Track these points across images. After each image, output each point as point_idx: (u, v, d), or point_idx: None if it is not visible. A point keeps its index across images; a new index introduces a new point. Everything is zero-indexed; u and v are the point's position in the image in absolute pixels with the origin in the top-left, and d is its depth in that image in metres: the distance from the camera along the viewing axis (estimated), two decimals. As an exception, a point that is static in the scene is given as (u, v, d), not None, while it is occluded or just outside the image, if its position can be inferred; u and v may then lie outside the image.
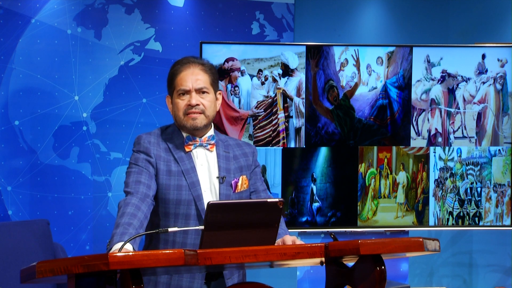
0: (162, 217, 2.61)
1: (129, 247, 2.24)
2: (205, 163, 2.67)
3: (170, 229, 2.22)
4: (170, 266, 1.93)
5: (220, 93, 2.72)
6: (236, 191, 2.66)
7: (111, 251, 2.26)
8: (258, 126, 4.28)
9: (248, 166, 2.73)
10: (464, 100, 4.44)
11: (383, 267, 2.11)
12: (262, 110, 4.28)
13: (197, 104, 2.62)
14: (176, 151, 2.65)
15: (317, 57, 4.30)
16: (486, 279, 5.39)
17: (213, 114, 2.68)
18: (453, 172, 4.45)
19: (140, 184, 2.56)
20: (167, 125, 2.75)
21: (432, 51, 4.41)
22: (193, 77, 2.63)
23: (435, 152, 4.43)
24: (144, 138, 2.66)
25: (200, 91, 2.63)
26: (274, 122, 4.29)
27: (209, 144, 2.68)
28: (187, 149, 2.65)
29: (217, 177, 2.65)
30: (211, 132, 2.70)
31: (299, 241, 2.39)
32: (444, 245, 5.23)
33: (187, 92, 2.63)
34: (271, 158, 4.29)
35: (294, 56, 4.29)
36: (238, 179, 2.68)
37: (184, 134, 2.68)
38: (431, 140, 4.42)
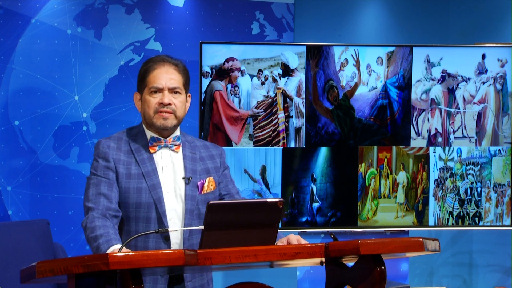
0: (125, 221, 2.58)
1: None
2: (170, 164, 2.63)
3: (170, 229, 2.22)
4: (170, 266, 1.93)
5: (190, 96, 2.69)
6: (202, 192, 2.62)
7: (109, 252, 2.26)
8: (258, 126, 4.28)
9: (215, 168, 2.69)
10: (464, 100, 4.44)
11: (383, 267, 2.11)
12: (262, 110, 4.28)
13: (169, 104, 2.58)
14: (139, 153, 2.61)
15: (317, 57, 4.30)
16: (486, 279, 5.39)
17: (182, 116, 2.64)
18: (453, 172, 4.45)
19: (100, 196, 2.53)
20: (132, 126, 2.72)
21: (432, 51, 4.41)
22: (167, 76, 2.61)
23: (435, 152, 4.43)
24: (103, 143, 2.63)
25: (172, 90, 2.60)
26: (274, 122, 4.29)
27: (175, 145, 2.64)
28: (151, 150, 2.62)
29: (183, 178, 2.61)
30: (176, 132, 2.66)
31: (304, 241, 2.38)
32: (444, 245, 5.23)
33: (160, 90, 2.60)
34: (271, 158, 4.29)
35: (294, 56, 4.29)
36: (205, 181, 2.64)
37: (149, 135, 2.64)
38: (431, 140, 4.42)
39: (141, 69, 2.67)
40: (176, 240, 2.57)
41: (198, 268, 2.35)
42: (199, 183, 2.63)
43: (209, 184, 2.65)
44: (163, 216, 2.54)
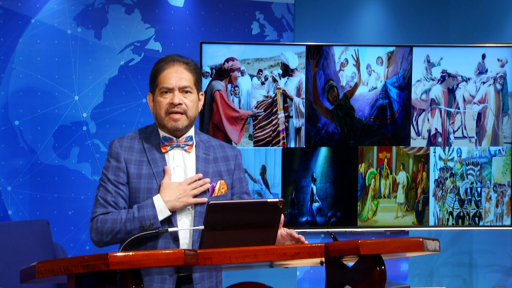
0: None
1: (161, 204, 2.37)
2: (182, 164, 2.62)
3: (170, 229, 2.22)
4: (170, 266, 1.93)
5: (202, 94, 2.68)
6: (213, 195, 2.61)
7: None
8: (258, 126, 4.28)
9: (228, 171, 2.68)
10: (464, 100, 4.44)
11: (383, 267, 2.11)
12: (262, 110, 4.28)
13: (180, 103, 2.57)
14: (151, 152, 2.61)
15: (317, 57, 4.30)
16: (486, 279, 5.39)
17: (195, 115, 2.63)
18: (453, 172, 4.45)
19: (107, 203, 2.57)
20: (148, 125, 2.71)
21: (432, 51, 4.41)
22: (177, 75, 2.59)
23: (435, 152, 4.43)
24: (116, 143, 2.63)
25: (183, 90, 2.59)
26: (274, 122, 4.29)
27: (187, 145, 2.63)
28: (163, 150, 2.61)
29: None
30: (190, 132, 2.65)
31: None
32: (444, 245, 5.23)
33: (170, 90, 2.58)
34: (271, 158, 4.29)
35: (294, 56, 4.29)
36: (216, 184, 2.63)
37: (161, 135, 2.63)
38: (431, 140, 4.42)
39: (152, 70, 2.65)
40: (185, 241, 2.57)
41: (207, 268, 2.35)
42: (210, 186, 2.62)
43: (220, 187, 2.64)
44: (172, 216, 2.54)
